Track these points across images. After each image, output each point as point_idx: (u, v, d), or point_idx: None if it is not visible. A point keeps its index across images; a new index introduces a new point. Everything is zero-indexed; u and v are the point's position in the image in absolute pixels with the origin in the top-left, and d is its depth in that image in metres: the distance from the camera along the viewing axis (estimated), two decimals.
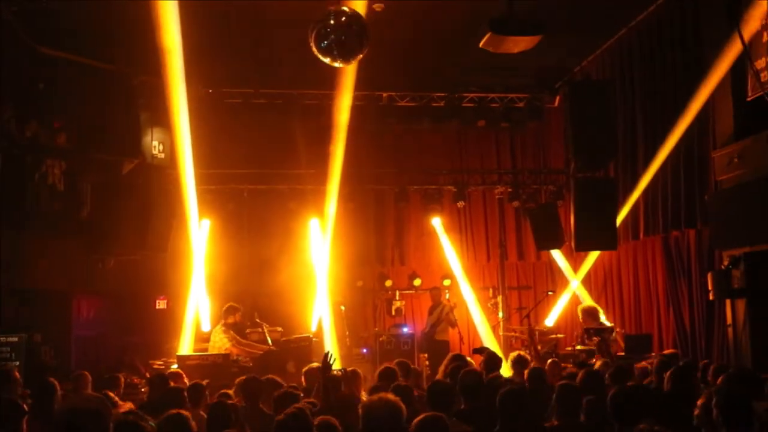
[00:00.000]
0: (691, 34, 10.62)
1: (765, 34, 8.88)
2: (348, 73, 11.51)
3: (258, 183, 13.90)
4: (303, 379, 8.13)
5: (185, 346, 11.66)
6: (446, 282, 14.70)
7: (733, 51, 9.42)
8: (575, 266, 13.91)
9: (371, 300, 15.25)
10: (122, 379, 8.40)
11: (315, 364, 8.30)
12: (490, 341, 13.28)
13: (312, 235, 13.60)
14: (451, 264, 14.50)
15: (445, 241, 14.54)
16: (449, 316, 13.38)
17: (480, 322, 13.89)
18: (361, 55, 9.50)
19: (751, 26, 9.07)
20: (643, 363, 8.72)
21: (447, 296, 14.18)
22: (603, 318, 12.01)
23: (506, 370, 9.26)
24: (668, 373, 6.93)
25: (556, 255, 14.01)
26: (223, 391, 7.67)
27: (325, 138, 12.95)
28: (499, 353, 11.43)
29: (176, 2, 9.73)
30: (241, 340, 11.63)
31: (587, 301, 13.18)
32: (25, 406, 6.13)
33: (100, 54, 12.01)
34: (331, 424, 4.50)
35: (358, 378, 7.75)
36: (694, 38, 10.53)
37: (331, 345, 12.08)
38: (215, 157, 13.16)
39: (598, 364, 8.97)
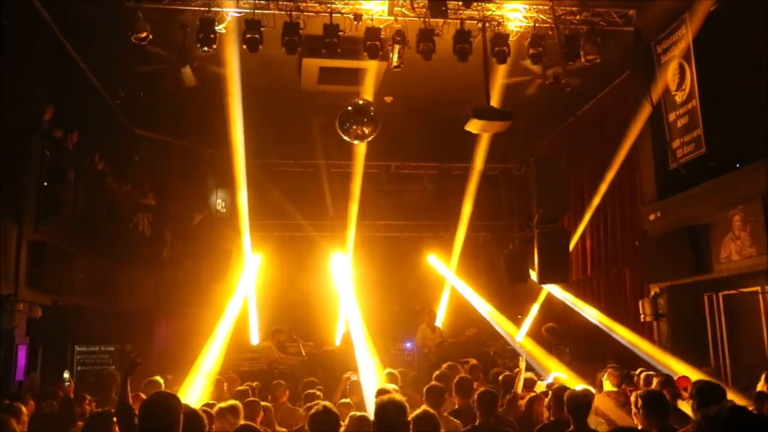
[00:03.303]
0: (623, 120, 10.78)
1: (678, 121, 9.03)
2: (362, 149, 11.70)
3: (295, 231, 13.99)
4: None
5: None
6: (435, 307, 14.58)
7: (655, 131, 9.61)
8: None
9: (381, 319, 15.13)
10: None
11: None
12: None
13: (336, 269, 13.60)
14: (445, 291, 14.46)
15: (438, 274, 14.53)
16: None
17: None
18: (373, 135, 9.71)
19: (670, 116, 9.26)
20: None
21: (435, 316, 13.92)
22: None
23: None
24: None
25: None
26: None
27: (346, 197, 13.08)
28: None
29: (238, 96, 9.94)
30: (282, 354, 11.60)
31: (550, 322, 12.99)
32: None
33: (179, 134, 12.22)
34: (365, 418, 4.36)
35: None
36: (625, 122, 10.69)
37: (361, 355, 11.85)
38: (264, 210, 13.25)
39: None
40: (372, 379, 8.17)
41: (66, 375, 6.09)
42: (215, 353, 10.24)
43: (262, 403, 5.81)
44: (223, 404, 5.06)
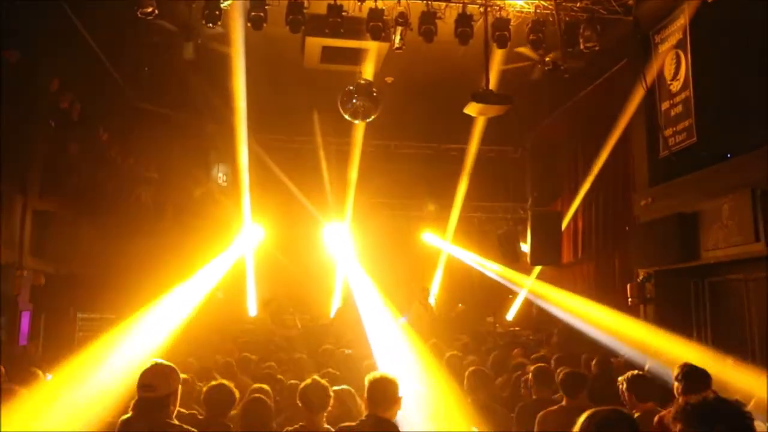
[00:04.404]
0: (618, 107, 10.78)
1: (672, 110, 9.07)
2: (362, 127, 11.70)
3: (294, 206, 13.99)
4: None
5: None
6: (429, 285, 14.68)
7: (649, 120, 9.64)
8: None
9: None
10: None
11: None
12: None
13: (333, 244, 13.67)
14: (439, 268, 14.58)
15: (433, 252, 14.62)
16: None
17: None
18: (375, 115, 9.73)
19: (663, 104, 9.29)
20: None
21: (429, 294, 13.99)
22: None
23: None
24: (593, 361, 7.07)
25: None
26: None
27: (345, 174, 13.12)
28: None
29: (241, 72, 9.92)
30: (277, 328, 11.71)
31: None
32: None
33: (182, 107, 12.19)
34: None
35: None
36: (621, 109, 10.70)
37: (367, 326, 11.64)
38: (264, 185, 13.25)
39: (543, 351, 9.03)
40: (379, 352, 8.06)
41: None
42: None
43: (278, 376, 5.91)
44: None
